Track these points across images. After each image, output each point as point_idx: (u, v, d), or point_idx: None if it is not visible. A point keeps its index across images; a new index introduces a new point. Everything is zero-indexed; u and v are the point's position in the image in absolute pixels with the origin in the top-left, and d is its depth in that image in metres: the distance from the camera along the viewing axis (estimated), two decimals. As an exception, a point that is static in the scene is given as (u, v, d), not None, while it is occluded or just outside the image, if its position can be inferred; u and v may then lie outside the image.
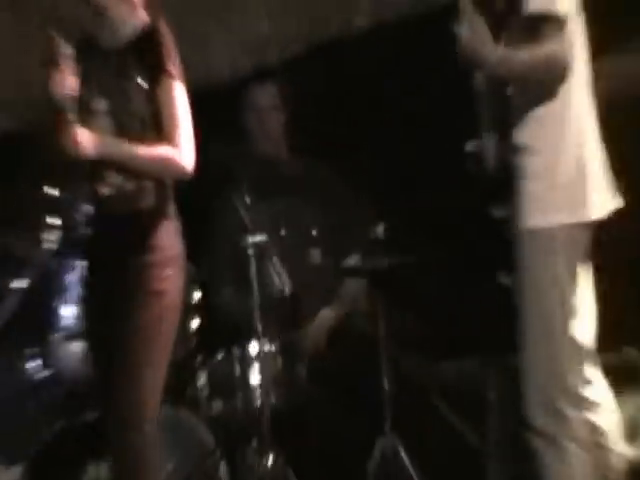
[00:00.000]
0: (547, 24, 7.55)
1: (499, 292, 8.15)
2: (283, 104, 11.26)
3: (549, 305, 7.61)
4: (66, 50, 7.92)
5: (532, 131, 7.70)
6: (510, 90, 7.86)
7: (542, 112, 7.68)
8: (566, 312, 7.60)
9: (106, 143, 7.79)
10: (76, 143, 7.67)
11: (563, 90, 7.65)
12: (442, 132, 9.37)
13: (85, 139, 7.68)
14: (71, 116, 7.85)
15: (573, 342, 7.63)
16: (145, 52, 7.94)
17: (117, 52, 8.01)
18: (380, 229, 10.10)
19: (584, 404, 7.64)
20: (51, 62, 7.88)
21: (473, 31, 7.76)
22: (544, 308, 7.59)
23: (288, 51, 12.13)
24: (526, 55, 7.53)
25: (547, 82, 7.70)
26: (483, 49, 7.68)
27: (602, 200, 7.67)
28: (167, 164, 7.82)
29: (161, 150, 7.84)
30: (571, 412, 7.47)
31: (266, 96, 11.28)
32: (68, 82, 7.89)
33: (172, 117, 7.88)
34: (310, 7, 12.30)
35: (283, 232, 10.49)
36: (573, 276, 7.66)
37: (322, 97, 11.57)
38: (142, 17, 8.13)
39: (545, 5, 7.48)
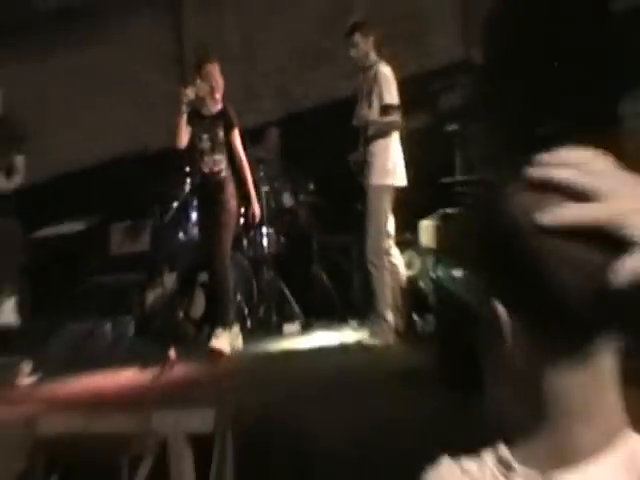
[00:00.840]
0: (392, 108, 8.38)
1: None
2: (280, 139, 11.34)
3: (379, 217, 8.38)
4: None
5: (378, 147, 8.45)
6: (369, 132, 8.51)
7: (383, 140, 8.43)
8: (385, 220, 8.43)
9: None
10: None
11: (394, 133, 8.50)
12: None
13: None
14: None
15: (387, 232, 8.52)
16: (224, 116, 8.84)
17: (211, 116, 8.87)
18: (312, 186, 10.91)
19: (389, 254, 8.57)
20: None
21: (365, 111, 8.49)
22: (377, 218, 8.37)
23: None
24: (385, 120, 8.36)
25: (390, 130, 8.50)
26: (368, 116, 8.45)
27: (403, 178, 8.53)
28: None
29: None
30: (384, 256, 8.41)
31: (274, 134, 11.32)
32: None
33: (236, 144, 8.81)
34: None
35: (276, 185, 10.74)
36: (389, 205, 8.46)
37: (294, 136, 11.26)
38: (220, 103, 8.89)
39: (390, 100, 8.35)
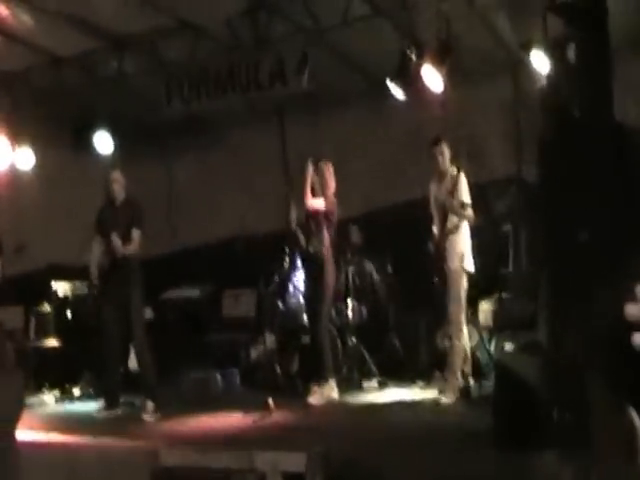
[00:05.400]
0: (468, 206, 8.11)
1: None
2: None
3: (460, 296, 7.96)
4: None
5: (456, 237, 8.09)
6: (449, 225, 8.15)
7: (460, 232, 8.11)
8: (463, 300, 8.01)
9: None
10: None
11: (467, 226, 8.19)
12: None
13: None
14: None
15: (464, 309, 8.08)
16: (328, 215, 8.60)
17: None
18: (389, 268, 10.87)
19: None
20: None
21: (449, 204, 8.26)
22: (458, 297, 7.94)
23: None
24: (465, 213, 8.11)
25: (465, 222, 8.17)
26: (455, 207, 8.11)
27: (472, 265, 8.11)
28: None
29: None
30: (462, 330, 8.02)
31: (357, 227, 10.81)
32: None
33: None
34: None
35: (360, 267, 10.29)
36: (465, 286, 8.05)
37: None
38: (327, 198, 8.62)
39: (467, 199, 8.08)
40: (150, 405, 8.32)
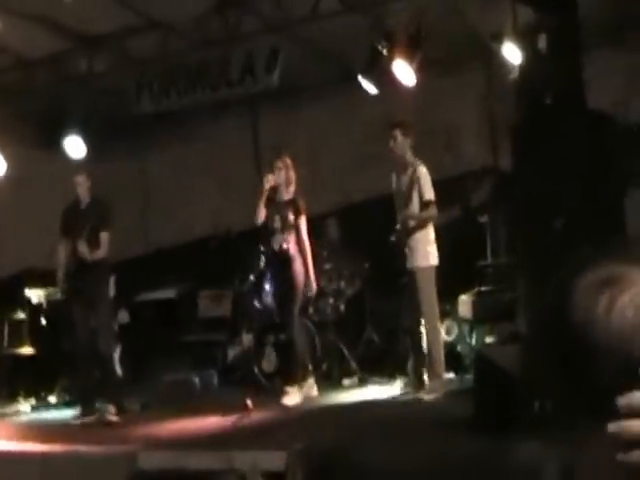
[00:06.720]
0: (431, 203, 7.81)
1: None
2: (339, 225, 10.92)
3: (431, 293, 7.84)
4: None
5: (420, 236, 7.90)
6: (411, 224, 8.01)
7: (424, 230, 7.91)
8: (435, 294, 7.85)
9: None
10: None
11: (431, 223, 8.02)
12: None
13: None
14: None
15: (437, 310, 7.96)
16: (294, 203, 8.39)
17: (283, 202, 8.43)
18: (366, 264, 10.57)
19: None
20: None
21: (408, 208, 7.98)
22: (429, 294, 7.80)
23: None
24: (425, 214, 7.88)
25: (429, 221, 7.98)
26: (411, 212, 7.96)
27: (437, 258, 7.92)
28: None
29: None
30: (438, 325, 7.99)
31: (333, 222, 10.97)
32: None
33: (302, 228, 8.41)
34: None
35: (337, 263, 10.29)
36: (434, 281, 7.88)
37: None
38: (292, 193, 8.50)
39: (429, 197, 7.81)
40: (111, 408, 8.26)
